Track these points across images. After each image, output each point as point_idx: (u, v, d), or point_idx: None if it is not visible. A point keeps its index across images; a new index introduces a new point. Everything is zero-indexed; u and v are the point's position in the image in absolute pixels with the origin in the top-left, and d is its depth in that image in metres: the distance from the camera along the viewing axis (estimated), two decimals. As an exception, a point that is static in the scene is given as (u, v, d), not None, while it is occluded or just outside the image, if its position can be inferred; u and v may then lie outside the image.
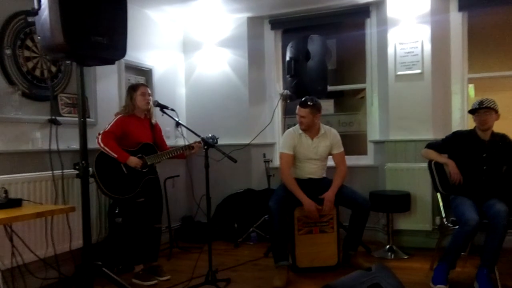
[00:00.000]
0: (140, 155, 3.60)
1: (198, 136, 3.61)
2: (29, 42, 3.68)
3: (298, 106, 3.86)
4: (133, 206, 3.61)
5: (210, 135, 3.75)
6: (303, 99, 3.87)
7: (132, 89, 3.70)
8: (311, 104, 3.80)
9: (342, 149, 3.95)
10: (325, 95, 4.69)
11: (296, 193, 3.71)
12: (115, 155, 3.45)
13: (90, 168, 3.01)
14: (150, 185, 3.70)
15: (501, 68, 4.59)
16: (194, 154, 3.75)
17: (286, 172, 3.81)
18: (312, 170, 3.91)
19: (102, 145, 3.44)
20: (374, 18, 4.91)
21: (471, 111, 3.49)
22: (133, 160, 3.51)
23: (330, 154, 3.96)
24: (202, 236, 4.88)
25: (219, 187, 5.07)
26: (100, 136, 3.46)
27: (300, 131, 3.88)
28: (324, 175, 3.99)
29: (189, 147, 3.72)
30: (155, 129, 3.83)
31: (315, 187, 3.84)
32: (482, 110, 3.42)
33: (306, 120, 3.81)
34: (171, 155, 3.73)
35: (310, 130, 3.88)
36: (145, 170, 3.61)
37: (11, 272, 3.16)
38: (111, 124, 3.56)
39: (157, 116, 3.91)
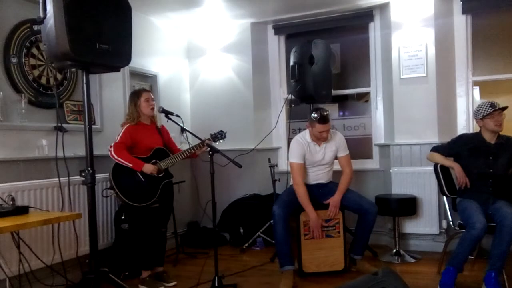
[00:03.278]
0: (154, 160, 3.63)
1: (203, 141, 3.64)
2: (35, 51, 3.71)
3: (317, 124, 3.64)
4: (143, 211, 3.62)
5: (218, 131, 3.81)
6: (318, 114, 3.64)
7: (135, 96, 3.70)
8: (328, 116, 3.68)
9: (347, 152, 3.93)
10: (329, 99, 4.69)
11: (305, 206, 3.69)
12: (130, 165, 3.47)
13: (99, 175, 3.02)
14: (167, 189, 3.75)
15: (506, 71, 4.57)
16: (205, 151, 3.73)
17: (298, 183, 3.74)
18: (319, 175, 3.90)
19: (115, 156, 3.46)
20: (378, 22, 4.92)
21: (487, 114, 3.43)
22: (149, 167, 3.54)
23: (336, 158, 3.94)
24: (208, 242, 4.88)
25: (225, 192, 5.07)
26: (112, 149, 3.49)
27: (309, 140, 3.83)
28: (331, 179, 3.98)
29: (201, 145, 3.73)
30: (162, 133, 3.85)
31: (321, 191, 3.83)
32: (497, 111, 3.42)
33: (327, 133, 3.75)
34: (184, 156, 3.76)
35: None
36: (161, 175, 3.63)
37: (18, 279, 3.17)
38: (120, 135, 3.57)
39: (162, 122, 3.93)
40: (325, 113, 3.67)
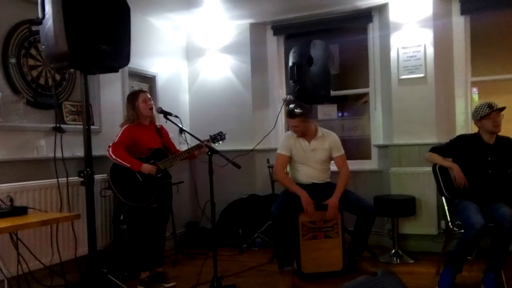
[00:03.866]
0: (152, 161, 3.62)
1: (202, 141, 3.64)
2: (33, 51, 3.70)
3: (287, 117, 3.86)
4: (141, 212, 3.61)
5: (217, 132, 3.82)
6: (289, 108, 3.85)
7: (133, 97, 3.69)
8: (299, 113, 3.77)
9: (342, 152, 3.93)
10: (328, 100, 4.69)
11: (292, 188, 3.71)
12: (128, 165, 3.47)
13: (97, 176, 3.02)
14: (165, 189, 3.74)
15: (505, 71, 4.58)
16: (204, 153, 3.73)
17: (278, 171, 3.86)
18: (313, 174, 3.89)
19: (114, 156, 3.46)
20: (377, 23, 4.92)
21: (485, 115, 3.44)
22: (147, 167, 3.53)
23: (331, 158, 3.94)
24: (207, 242, 4.88)
25: (223, 193, 5.06)
26: (110, 149, 3.48)
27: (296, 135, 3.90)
28: (328, 179, 3.97)
29: (198, 146, 3.73)
30: (161, 133, 3.85)
31: (318, 192, 3.82)
32: (495, 112, 3.42)
33: (299, 129, 3.82)
34: (183, 157, 3.76)
35: (307, 134, 3.88)
36: (159, 175, 3.63)
37: (17, 280, 3.16)
38: (119, 135, 3.57)
39: (161, 123, 3.93)
40: (296, 109, 3.78)
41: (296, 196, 3.72)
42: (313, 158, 3.86)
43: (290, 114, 3.82)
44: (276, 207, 3.68)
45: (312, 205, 3.66)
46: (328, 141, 3.89)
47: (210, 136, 3.88)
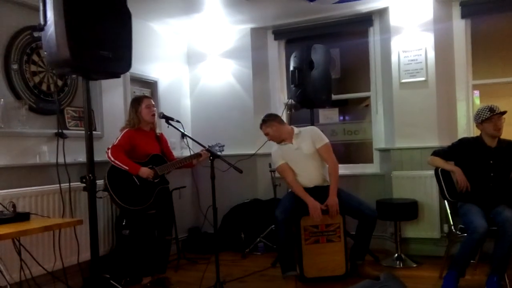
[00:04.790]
0: (150, 166, 3.63)
1: (203, 146, 3.65)
2: (35, 57, 3.72)
3: None
4: (142, 217, 3.62)
5: (215, 143, 3.83)
6: None
7: (137, 102, 3.72)
8: (262, 121, 3.95)
9: (326, 141, 3.86)
10: (329, 104, 4.70)
11: (301, 195, 3.69)
12: (126, 168, 3.48)
13: (100, 181, 3.02)
14: (162, 195, 3.74)
15: (506, 74, 4.58)
16: (202, 162, 3.76)
17: (289, 179, 3.81)
18: (312, 174, 3.84)
19: (112, 158, 3.47)
20: (377, 27, 4.93)
21: (486, 119, 3.44)
22: (145, 171, 3.54)
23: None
24: (209, 247, 4.88)
25: (226, 198, 5.07)
26: (109, 151, 3.50)
27: (277, 144, 3.95)
28: (327, 181, 3.94)
29: (197, 155, 3.75)
30: (161, 141, 3.86)
31: (321, 196, 3.81)
32: (496, 115, 3.42)
33: (272, 135, 3.91)
34: (180, 164, 3.77)
35: (284, 137, 3.90)
36: (156, 180, 3.63)
37: (19, 286, 3.16)
38: (118, 138, 3.59)
39: (163, 128, 3.94)
40: (263, 119, 3.95)
41: (300, 200, 3.72)
42: (301, 155, 3.83)
43: (260, 126, 3.97)
44: (280, 211, 3.66)
45: (320, 214, 3.63)
46: (308, 134, 3.89)
47: (209, 146, 3.87)
